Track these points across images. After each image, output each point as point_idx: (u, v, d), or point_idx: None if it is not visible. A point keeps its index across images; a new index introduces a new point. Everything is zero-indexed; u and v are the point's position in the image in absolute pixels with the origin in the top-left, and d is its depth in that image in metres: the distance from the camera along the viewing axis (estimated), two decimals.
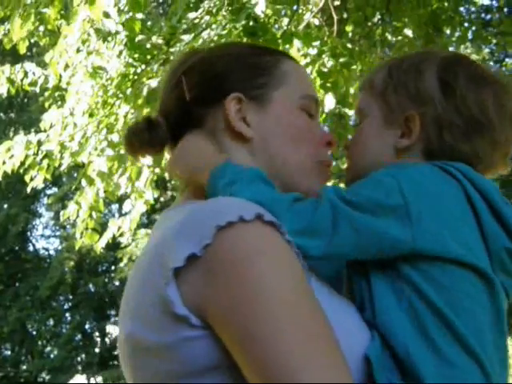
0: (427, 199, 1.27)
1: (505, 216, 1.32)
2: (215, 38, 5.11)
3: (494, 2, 9.84)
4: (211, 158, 1.40)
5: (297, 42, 5.12)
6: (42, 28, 6.32)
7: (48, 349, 24.22)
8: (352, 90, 5.39)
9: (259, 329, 1.10)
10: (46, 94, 6.96)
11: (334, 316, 1.17)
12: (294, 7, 5.98)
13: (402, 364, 1.22)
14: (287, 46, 5.07)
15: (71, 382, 22.28)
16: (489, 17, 10.32)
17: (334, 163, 6.91)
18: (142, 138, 1.51)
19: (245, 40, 4.85)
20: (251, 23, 4.99)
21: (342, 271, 1.44)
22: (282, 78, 1.49)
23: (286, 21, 5.87)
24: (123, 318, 1.30)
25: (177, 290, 1.16)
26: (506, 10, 9.84)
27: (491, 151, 1.43)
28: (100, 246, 6.27)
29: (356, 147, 1.53)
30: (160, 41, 5.54)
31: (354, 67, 5.36)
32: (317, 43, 5.21)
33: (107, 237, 6.27)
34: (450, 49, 7.27)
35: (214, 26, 5.24)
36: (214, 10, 5.36)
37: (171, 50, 5.40)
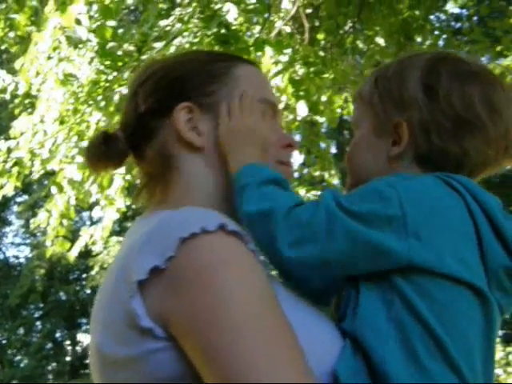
0: (426, 212, 1.25)
1: (505, 234, 1.29)
2: (187, 46, 5.10)
3: (464, 11, 9.94)
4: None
5: (269, 50, 5.12)
6: (11, 34, 6.26)
7: (18, 358, 23.97)
8: (324, 98, 5.41)
9: (221, 338, 1.10)
10: (16, 100, 6.90)
11: (300, 326, 1.17)
12: (266, 15, 5.99)
13: (375, 373, 1.20)
14: (259, 53, 5.07)
15: None
16: (458, 25, 10.42)
17: (305, 170, 6.92)
18: (98, 152, 1.51)
19: (216, 48, 4.85)
20: (223, 31, 4.99)
21: (330, 283, 1.42)
22: (234, 83, 1.49)
23: (257, 28, 5.87)
24: (93, 328, 1.30)
25: (142, 303, 1.16)
26: (475, 18, 9.95)
27: (485, 148, 1.39)
28: (73, 254, 6.22)
29: (352, 160, 1.51)
30: (131, 47, 5.52)
31: (327, 75, 5.38)
32: (288, 51, 5.22)
33: (80, 245, 6.22)
34: None
35: (185, 34, 5.22)
36: (186, 18, 5.35)
37: (142, 57, 5.38)
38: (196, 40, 5.05)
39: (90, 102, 5.64)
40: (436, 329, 1.20)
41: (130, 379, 1.19)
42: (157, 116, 1.48)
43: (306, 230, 1.26)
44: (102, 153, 1.51)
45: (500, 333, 19.81)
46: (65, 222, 6.12)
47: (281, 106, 5.34)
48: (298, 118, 5.24)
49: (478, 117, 1.38)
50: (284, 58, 5.12)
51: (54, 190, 5.98)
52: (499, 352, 15.56)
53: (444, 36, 7.01)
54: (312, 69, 5.11)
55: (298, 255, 1.25)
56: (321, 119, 5.66)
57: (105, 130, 1.56)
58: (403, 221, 1.22)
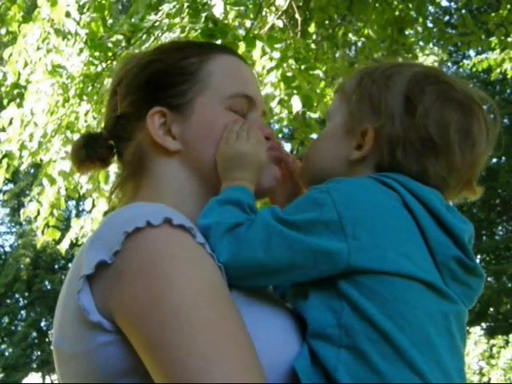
0: (362, 213, 1.24)
1: (449, 224, 1.29)
2: None
3: (452, 4, 9.99)
4: None
5: (259, 45, 5.10)
6: (3, 31, 6.24)
7: (3, 346, 23.97)
8: (317, 90, 5.42)
9: (160, 331, 1.11)
10: (3, 89, 6.84)
11: (253, 326, 1.18)
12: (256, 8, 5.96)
13: (330, 378, 1.20)
14: (250, 48, 5.05)
15: (26, 380, 22.11)
16: (447, 18, 10.47)
17: None
18: (81, 156, 1.52)
19: None
20: (210, 25, 4.94)
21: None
22: (206, 79, 1.47)
23: (249, 23, 5.84)
24: (54, 326, 1.31)
25: (91, 298, 1.18)
26: (463, 11, 9.98)
27: (447, 175, 1.36)
28: (64, 247, 6.20)
29: (313, 151, 1.50)
30: (120, 37, 5.48)
31: (317, 72, 5.37)
32: (280, 45, 5.20)
33: (70, 237, 6.19)
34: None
35: (174, 29, 5.18)
36: (173, 12, 5.29)
37: (132, 48, 5.34)
38: (184, 35, 5.00)
39: (85, 98, 5.60)
40: (387, 329, 1.19)
41: (82, 374, 1.21)
42: (132, 119, 1.48)
43: (243, 243, 1.26)
44: (84, 156, 1.52)
45: (484, 325, 19.90)
46: (55, 212, 6.09)
47: (275, 100, 5.35)
48: (294, 112, 5.26)
49: (448, 143, 1.35)
50: (276, 55, 5.10)
51: (45, 181, 5.93)
52: (483, 345, 15.64)
53: (435, 30, 7.02)
54: (303, 66, 5.10)
55: (235, 265, 1.26)
56: (314, 115, 5.68)
57: (87, 132, 1.57)
58: (340, 224, 1.22)
